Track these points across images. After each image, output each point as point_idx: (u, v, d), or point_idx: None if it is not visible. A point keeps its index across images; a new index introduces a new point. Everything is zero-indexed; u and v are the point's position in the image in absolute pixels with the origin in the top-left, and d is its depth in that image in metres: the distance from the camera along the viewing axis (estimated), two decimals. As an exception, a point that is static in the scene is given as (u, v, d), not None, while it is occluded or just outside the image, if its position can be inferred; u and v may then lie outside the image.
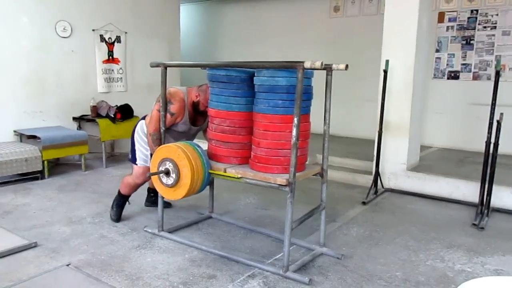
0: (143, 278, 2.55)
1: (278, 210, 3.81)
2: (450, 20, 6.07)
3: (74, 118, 5.51)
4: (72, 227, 3.34)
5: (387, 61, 4.28)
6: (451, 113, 6.15)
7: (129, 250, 2.93)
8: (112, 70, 5.97)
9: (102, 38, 5.80)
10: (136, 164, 3.36)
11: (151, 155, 3.06)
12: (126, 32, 6.08)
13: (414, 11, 4.31)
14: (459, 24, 6.00)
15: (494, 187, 3.77)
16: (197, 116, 3.26)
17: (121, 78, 6.11)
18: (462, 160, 5.41)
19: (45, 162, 4.66)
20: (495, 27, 5.73)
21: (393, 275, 2.66)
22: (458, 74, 6.06)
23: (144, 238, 3.15)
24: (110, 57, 5.93)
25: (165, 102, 3.04)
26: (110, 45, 5.91)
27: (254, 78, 2.71)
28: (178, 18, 7.20)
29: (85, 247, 2.98)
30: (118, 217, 3.44)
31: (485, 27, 5.80)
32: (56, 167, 5.16)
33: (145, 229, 3.28)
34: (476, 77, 5.94)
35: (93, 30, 5.69)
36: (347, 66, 2.54)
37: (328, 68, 2.66)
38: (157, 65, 3.07)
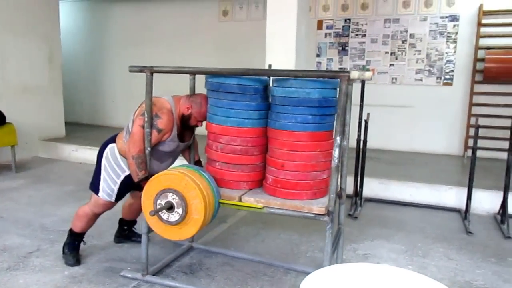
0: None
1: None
2: (327, 27, 6.59)
3: None
4: None
5: (269, 66, 4.48)
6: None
7: (-4, 273, 2.65)
8: (-23, 72, 5.32)
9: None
10: (98, 195, 2.70)
11: (133, 185, 2.54)
12: (-7, 30, 5.46)
13: (293, 18, 4.59)
14: (335, 32, 6.54)
15: (366, 179, 4.20)
16: (184, 131, 2.69)
17: (-11, 81, 5.47)
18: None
19: None
20: (365, 35, 6.37)
21: (276, 270, 2.81)
22: (336, 77, 6.61)
23: (16, 257, 2.87)
24: (-26, 58, 5.28)
25: (150, 116, 2.46)
26: (-26, 44, 5.26)
27: (273, 88, 2.32)
28: (57, 15, 6.67)
29: None
30: (76, 259, 2.78)
31: (357, 34, 6.42)
32: None
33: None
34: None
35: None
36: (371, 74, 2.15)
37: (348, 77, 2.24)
38: (140, 70, 2.45)
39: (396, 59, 6.21)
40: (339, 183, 2.38)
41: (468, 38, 5.80)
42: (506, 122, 5.30)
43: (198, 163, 2.92)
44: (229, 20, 7.16)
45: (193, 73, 2.68)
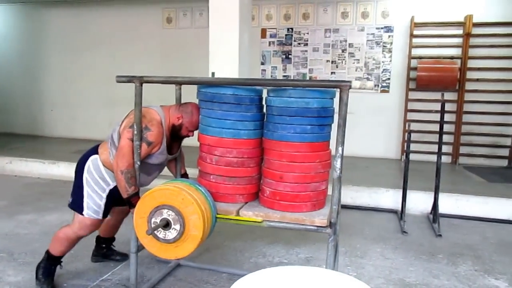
0: None
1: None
2: (271, 36, 6.72)
3: None
4: None
5: (213, 73, 4.50)
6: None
7: None
8: None
9: None
10: (82, 214, 2.47)
11: (122, 201, 2.38)
12: None
13: (235, 26, 4.64)
14: (279, 40, 6.69)
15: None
16: (172, 142, 2.57)
17: None
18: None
19: None
20: (307, 44, 6.56)
21: (220, 277, 2.80)
22: (280, 85, 6.74)
23: None
24: None
25: (140, 128, 2.32)
26: None
27: (270, 98, 2.26)
28: (-13, 20, 6.29)
29: None
30: (51, 287, 2.56)
31: (299, 43, 6.60)
32: None
33: None
34: (295, 88, 6.69)
35: None
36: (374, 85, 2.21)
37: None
38: (129, 81, 2.31)
39: (337, 67, 6.45)
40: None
41: (402, 48, 6.15)
42: (437, 127, 5.65)
43: (184, 176, 2.80)
44: (173, 28, 7.10)
45: (185, 83, 2.50)
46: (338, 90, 2.03)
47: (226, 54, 4.68)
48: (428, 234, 3.69)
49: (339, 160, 2.01)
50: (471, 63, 5.86)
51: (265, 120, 2.36)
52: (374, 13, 6.22)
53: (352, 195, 4.50)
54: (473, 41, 5.84)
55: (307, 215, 2.18)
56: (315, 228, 2.14)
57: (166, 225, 2.06)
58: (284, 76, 6.69)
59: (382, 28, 6.22)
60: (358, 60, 6.36)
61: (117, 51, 7.32)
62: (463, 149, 6.04)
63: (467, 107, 5.95)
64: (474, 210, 4.15)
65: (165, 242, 2.09)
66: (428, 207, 4.14)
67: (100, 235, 2.96)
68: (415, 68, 5.95)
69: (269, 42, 6.73)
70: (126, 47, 7.28)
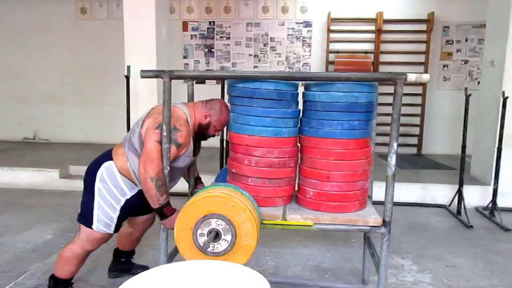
0: None
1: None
2: (193, 29, 6.61)
3: None
4: None
5: (128, 67, 4.32)
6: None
7: None
8: None
9: None
10: (91, 228, 2.18)
11: (141, 211, 2.19)
12: None
13: (152, 17, 4.49)
14: (201, 33, 6.60)
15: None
16: (197, 143, 2.31)
17: None
18: (211, 157, 5.98)
19: None
20: (229, 38, 6.55)
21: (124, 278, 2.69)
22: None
23: None
24: None
25: (169, 129, 2.05)
26: None
27: (313, 93, 2.10)
28: None
29: None
30: None
31: (222, 37, 6.57)
32: None
33: None
34: (218, 82, 6.66)
35: None
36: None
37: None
38: (157, 76, 2.05)
39: (259, 61, 6.52)
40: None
41: (320, 43, 6.37)
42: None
43: (197, 179, 2.57)
44: (88, 19, 6.71)
45: (227, 77, 2.27)
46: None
47: (142, 47, 4.52)
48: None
49: (393, 157, 1.94)
50: (383, 58, 6.23)
51: (302, 116, 2.21)
52: (293, 8, 6.37)
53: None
54: (384, 36, 6.20)
55: (358, 215, 2.08)
56: (369, 228, 2.04)
57: (217, 236, 1.86)
58: (207, 70, 6.62)
59: (301, 23, 6.38)
60: (280, 54, 6.48)
61: (27, 44, 6.77)
62: (378, 139, 6.39)
63: (380, 99, 6.29)
64: (386, 195, 4.41)
65: (213, 256, 1.86)
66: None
67: (119, 248, 2.67)
68: (333, 62, 6.19)
69: (191, 35, 6.62)
70: (37, 40, 6.75)
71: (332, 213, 2.08)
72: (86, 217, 2.20)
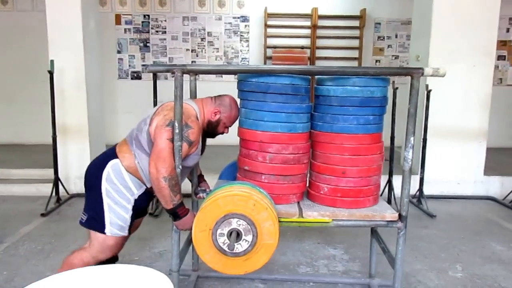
0: None
1: None
2: (126, 22, 6.35)
3: None
4: None
5: (52, 61, 4.06)
6: (140, 113, 6.46)
7: None
8: None
9: None
10: (104, 233, 2.02)
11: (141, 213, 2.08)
12: None
13: (77, 11, 4.25)
14: (135, 27, 6.36)
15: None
16: (204, 141, 2.22)
17: None
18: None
19: None
20: (165, 32, 6.37)
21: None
22: (140, 75, 6.44)
23: None
24: None
25: (181, 126, 1.93)
26: None
27: (327, 88, 2.05)
28: None
29: None
30: None
31: (157, 31, 6.37)
32: None
33: None
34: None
35: None
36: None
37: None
38: (168, 70, 2.02)
39: (197, 56, 6.41)
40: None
41: (258, 38, 6.38)
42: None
43: (201, 177, 2.49)
44: (10, 10, 6.23)
45: (240, 72, 2.19)
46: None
47: (68, 40, 4.27)
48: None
49: (410, 151, 1.96)
50: (319, 53, 6.36)
51: (314, 111, 2.17)
52: (230, 3, 6.31)
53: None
54: (319, 32, 6.33)
55: (374, 210, 2.08)
56: (385, 223, 2.04)
57: (238, 236, 1.81)
58: (143, 65, 6.40)
59: (238, 17, 6.35)
60: (218, 49, 6.40)
61: None
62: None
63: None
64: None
65: (233, 256, 1.82)
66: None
67: None
68: (270, 57, 6.22)
69: (125, 29, 6.36)
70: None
71: (348, 208, 2.08)
72: (96, 221, 2.06)
